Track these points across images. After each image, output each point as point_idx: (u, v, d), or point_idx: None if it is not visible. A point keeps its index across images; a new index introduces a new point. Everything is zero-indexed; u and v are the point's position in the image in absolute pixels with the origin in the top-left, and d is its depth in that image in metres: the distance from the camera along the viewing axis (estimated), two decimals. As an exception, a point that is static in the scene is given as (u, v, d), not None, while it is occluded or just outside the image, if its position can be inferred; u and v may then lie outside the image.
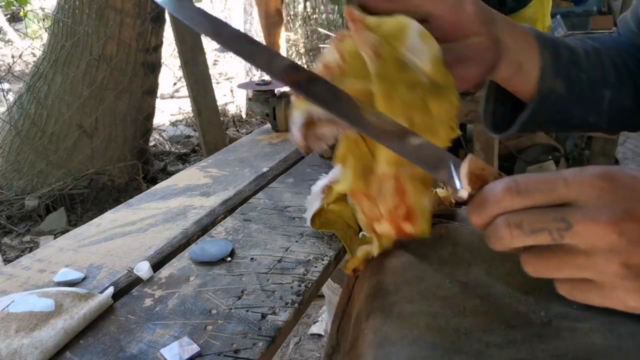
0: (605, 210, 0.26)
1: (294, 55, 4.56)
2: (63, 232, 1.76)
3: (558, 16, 1.97)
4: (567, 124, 0.50)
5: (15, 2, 3.20)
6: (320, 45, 4.76)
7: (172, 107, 3.66)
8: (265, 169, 0.82)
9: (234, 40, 0.37)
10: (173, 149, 2.83)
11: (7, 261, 1.74)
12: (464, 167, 0.30)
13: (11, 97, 2.62)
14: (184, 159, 2.71)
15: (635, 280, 0.26)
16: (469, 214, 0.30)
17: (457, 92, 0.38)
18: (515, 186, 0.27)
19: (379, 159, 0.40)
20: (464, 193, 0.30)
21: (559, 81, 0.45)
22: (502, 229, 0.28)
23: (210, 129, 1.70)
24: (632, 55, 0.50)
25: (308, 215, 0.56)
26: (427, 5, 0.38)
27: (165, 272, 0.53)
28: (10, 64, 3.12)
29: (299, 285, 0.50)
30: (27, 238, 1.97)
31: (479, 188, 0.29)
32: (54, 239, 1.49)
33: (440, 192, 0.58)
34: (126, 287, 0.51)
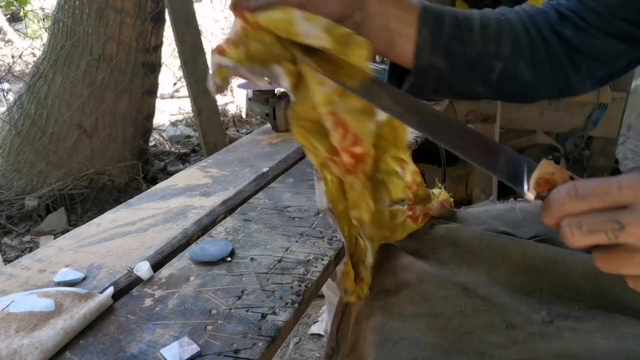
0: None
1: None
2: (63, 232, 1.76)
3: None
4: (453, 93, 0.51)
5: (15, 2, 3.20)
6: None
7: (172, 107, 3.66)
8: (265, 169, 0.82)
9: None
10: (173, 149, 2.83)
11: (7, 261, 1.74)
12: (536, 171, 0.33)
13: (11, 97, 2.62)
14: (184, 159, 2.71)
15: None
16: (541, 216, 0.32)
17: (363, 40, 0.40)
18: (575, 191, 0.30)
19: (317, 103, 0.45)
20: (529, 196, 0.33)
21: (437, 56, 0.46)
22: (565, 230, 0.30)
23: (210, 129, 1.70)
24: (552, 24, 0.49)
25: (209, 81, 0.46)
26: None
27: (165, 272, 0.53)
28: (10, 64, 3.12)
29: (299, 285, 0.50)
30: (27, 238, 1.97)
31: (548, 191, 0.32)
32: (54, 239, 1.49)
33: (443, 194, 0.58)
34: (126, 287, 0.51)
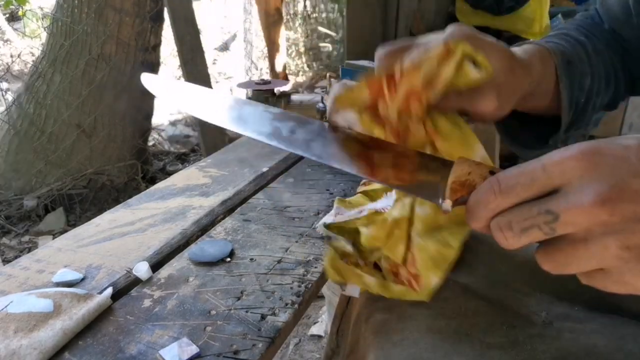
0: (589, 190, 0.23)
1: (293, 54, 4.55)
2: (62, 232, 1.76)
3: (559, 15, 1.97)
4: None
5: (14, 1, 3.20)
6: (320, 44, 4.76)
7: (171, 107, 3.66)
8: (264, 169, 0.82)
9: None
10: (172, 149, 2.83)
11: (5, 261, 1.74)
12: (450, 176, 0.28)
13: (10, 96, 2.62)
14: (183, 159, 2.71)
15: (638, 262, 0.24)
16: (467, 221, 0.28)
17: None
18: (497, 186, 0.26)
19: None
20: (446, 206, 0.29)
21: (570, 114, 0.46)
22: (497, 233, 0.27)
23: (210, 129, 1.70)
24: (612, 43, 0.51)
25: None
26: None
27: (164, 272, 0.53)
28: (9, 64, 3.11)
29: (299, 286, 0.50)
30: (26, 238, 1.97)
31: (468, 194, 0.28)
32: (53, 239, 1.49)
33: None
34: (125, 288, 0.51)
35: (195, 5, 1.66)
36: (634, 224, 0.23)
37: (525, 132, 0.49)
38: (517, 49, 0.42)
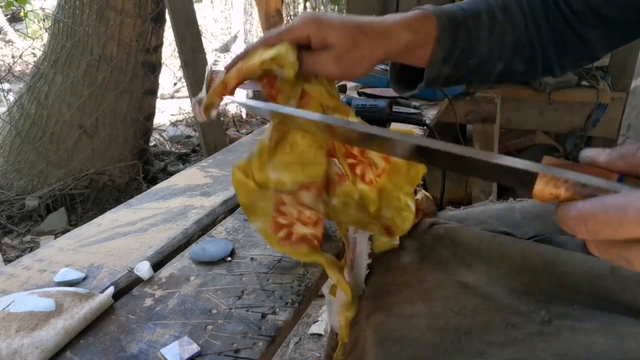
0: None
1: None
2: (63, 232, 1.76)
3: None
4: (455, 86, 0.56)
5: (15, 2, 3.20)
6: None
7: (172, 107, 3.66)
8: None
9: None
10: (173, 149, 2.83)
11: (7, 261, 1.74)
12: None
13: (12, 97, 2.62)
14: (184, 159, 2.71)
15: None
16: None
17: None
18: (584, 225, 0.26)
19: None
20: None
21: (446, 67, 0.50)
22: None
23: (211, 129, 1.70)
24: (548, 9, 0.52)
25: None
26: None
27: (165, 272, 0.53)
28: (11, 64, 3.12)
29: (299, 285, 0.50)
30: (28, 238, 1.97)
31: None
32: (55, 238, 1.50)
33: (421, 193, 0.60)
34: (126, 287, 0.51)
35: (196, 6, 1.67)
36: None
37: (405, 75, 0.56)
38: (389, 17, 0.50)
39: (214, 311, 0.46)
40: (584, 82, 1.69)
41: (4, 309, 0.45)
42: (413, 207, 0.51)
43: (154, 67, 2.23)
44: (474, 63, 0.51)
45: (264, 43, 0.46)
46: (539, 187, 0.27)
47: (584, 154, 0.27)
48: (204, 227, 0.63)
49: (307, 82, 0.48)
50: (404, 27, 0.49)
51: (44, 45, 2.35)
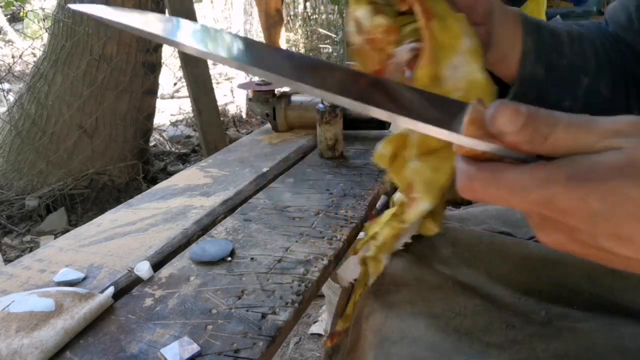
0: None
1: (294, 55, 4.54)
2: (63, 232, 1.76)
3: (558, 16, 1.97)
4: (545, 106, 0.52)
5: (15, 1, 3.20)
6: (320, 46, 4.76)
7: (172, 107, 3.66)
8: (265, 169, 0.82)
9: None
10: (173, 149, 2.83)
11: (7, 261, 1.74)
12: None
13: (12, 97, 2.62)
14: (184, 159, 2.71)
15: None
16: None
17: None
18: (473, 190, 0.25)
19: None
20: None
21: (538, 66, 0.46)
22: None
23: (211, 129, 1.70)
24: (615, 45, 0.51)
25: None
26: None
27: (165, 272, 0.53)
28: (11, 64, 3.12)
29: (299, 285, 0.50)
30: (28, 238, 1.97)
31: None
32: (55, 239, 1.50)
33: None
34: (126, 287, 0.51)
35: (196, 6, 1.67)
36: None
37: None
38: None
39: (214, 311, 0.46)
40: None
41: (4, 309, 0.45)
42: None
43: (154, 67, 2.22)
44: (565, 65, 0.47)
45: None
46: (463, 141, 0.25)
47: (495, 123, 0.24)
48: (204, 227, 0.63)
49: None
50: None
51: (44, 45, 2.35)
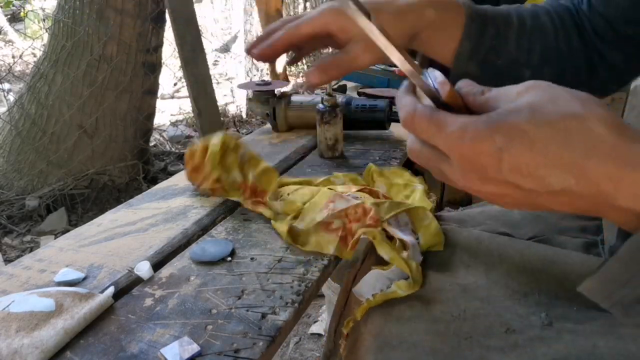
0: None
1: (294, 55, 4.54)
2: (63, 232, 1.76)
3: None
4: None
5: (15, 1, 3.20)
6: (321, 46, 4.74)
7: (172, 107, 3.67)
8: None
9: None
10: (173, 149, 2.83)
11: (7, 261, 1.74)
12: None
13: (12, 97, 2.62)
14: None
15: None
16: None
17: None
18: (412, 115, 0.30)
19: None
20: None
21: (472, 64, 0.49)
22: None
23: (211, 129, 1.70)
24: (580, 27, 0.51)
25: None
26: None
27: (165, 272, 0.54)
28: (11, 64, 3.12)
29: (299, 285, 0.50)
30: (28, 238, 1.97)
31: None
32: (55, 238, 1.50)
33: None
34: (126, 287, 0.51)
35: (196, 6, 1.67)
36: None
37: None
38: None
39: (214, 311, 0.46)
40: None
41: (4, 309, 0.45)
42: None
43: (154, 67, 2.22)
44: (503, 64, 0.49)
45: (285, 34, 0.47)
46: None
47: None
48: (204, 227, 0.63)
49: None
50: (429, 4, 0.47)
51: (44, 45, 2.35)
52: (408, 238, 0.52)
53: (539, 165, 0.27)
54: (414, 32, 0.47)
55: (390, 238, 0.53)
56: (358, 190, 0.65)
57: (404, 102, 0.31)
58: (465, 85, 0.33)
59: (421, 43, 0.49)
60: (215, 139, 0.65)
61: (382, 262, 0.51)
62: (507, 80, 0.50)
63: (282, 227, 0.58)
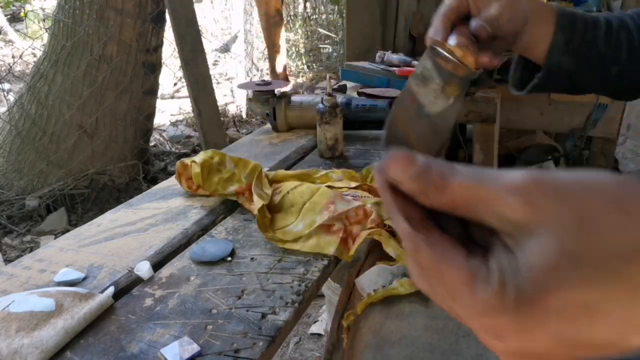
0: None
1: (294, 55, 4.55)
2: (63, 232, 1.76)
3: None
4: (574, 90, 0.54)
5: (15, 1, 3.20)
6: (320, 46, 4.76)
7: (172, 107, 3.67)
8: (265, 169, 0.82)
9: None
10: (173, 149, 2.83)
11: (7, 261, 1.74)
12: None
13: (12, 97, 2.62)
14: (185, 159, 2.71)
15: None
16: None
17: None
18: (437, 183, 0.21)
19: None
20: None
21: (566, 58, 0.50)
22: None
23: (211, 129, 1.70)
24: None
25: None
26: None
27: (165, 271, 0.54)
28: (11, 64, 3.12)
29: (299, 285, 0.50)
30: (28, 238, 1.97)
31: None
32: (55, 239, 1.50)
33: None
34: (126, 287, 0.51)
35: (196, 6, 1.67)
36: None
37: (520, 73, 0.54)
38: None
39: (214, 311, 0.46)
40: (584, 83, 1.69)
41: (4, 309, 0.45)
42: None
43: (154, 67, 2.22)
44: (593, 58, 0.51)
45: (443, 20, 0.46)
46: None
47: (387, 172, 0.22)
48: (204, 227, 0.63)
49: None
50: None
51: (44, 45, 2.35)
52: None
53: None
54: (523, 24, 0.48)
55: (393, 234, 0.53)
56: (357, 187, 0.65)
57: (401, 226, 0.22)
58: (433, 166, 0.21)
59: (523, 37, 0.49)
60: (198, 158, 0.70)
61: (386, 259, 0.51)
62: (598, 75, 0.52)
63: (258, 204, 0.60)
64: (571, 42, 0.50)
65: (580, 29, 0.50)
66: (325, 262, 0.54)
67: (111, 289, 0.49)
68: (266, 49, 3.50)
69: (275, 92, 1.01)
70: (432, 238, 0.21)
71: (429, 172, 0.21)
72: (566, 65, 0.50)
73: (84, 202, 2.16)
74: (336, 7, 4.55)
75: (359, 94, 1.18)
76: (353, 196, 0.61)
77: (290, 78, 4.01)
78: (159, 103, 2.63)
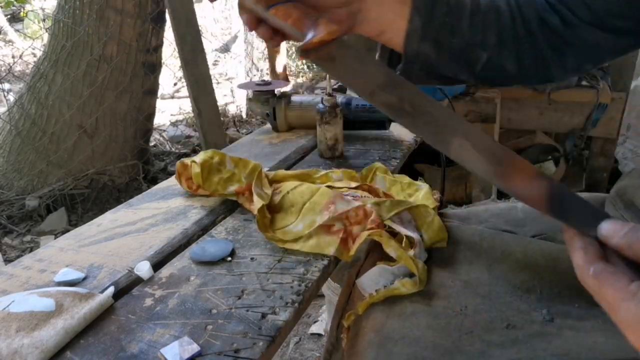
0: None
1: (294, 55, 4.55)
2: (64, 232, 1.76)
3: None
4: (439, 79, 0.50)
5: (15, 1, 3.20)
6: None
7: (172, 107, 3.66)
8: (265, 169, 0.82)
9: None
10: (173, 149, 2.83)
11: (7, 261, 1.74)
12: None
13: (12, 97, 2.62)
14: (185, 159, 2.70)
15: None
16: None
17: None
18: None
19: None
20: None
21: (425, 44, 0.46)
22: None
23: (211, 129, 1.70)
24: (533, 14, 0.49)
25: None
26: None
27: (165, 271, 0.53)
28: (11, 64, 3.12)
29: (299, 285, 0.50)
30: (28, 238, 1.97)
31: None
32: (55, 239, 1.49)
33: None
34: (126, 287, 0.51)
35: (196, 6, 1.67)
36: None
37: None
38: None
39: (214, 311, 0.46)
40: (584, 82, 1.69)
41: (4, 309, 0.45)
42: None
43: (154, 67, 2.22)
44: (457, 44, 0.47)
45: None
46: None
47: (600, 231, 0.29)
48: (204, 227, 0.63)
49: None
50: None
51: (44, 45, 2.35)
52: (414, 235, 0.52)
53: None
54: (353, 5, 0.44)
55: (394, 234, 0.53)
56: (357, 187, 0.64)
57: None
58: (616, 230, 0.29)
59: (366, 23, 0.45)
60: (198, 158, 0.69)
61: (386, 259, 0.51)
62: (464, 62, 0.48)
63: (258, 204, 0.60)
64: (430, 27, 0.45)
65: (441, 11, 0.45)
66: (325, 262, 0.54)
67: (111, 289, 0.49)
68: (266, 49, 3.50)
69: (275, 92, 1.01)
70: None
71: (637, 230, 0.27)
72: (427, 52, 0.46)
73: (84, 202, 2.16)
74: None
75: (359, 93, 1.17)
76: (353, 196, 0.61)
77: (290, 78, 4.01)
78: (159, 103, 2.63)
